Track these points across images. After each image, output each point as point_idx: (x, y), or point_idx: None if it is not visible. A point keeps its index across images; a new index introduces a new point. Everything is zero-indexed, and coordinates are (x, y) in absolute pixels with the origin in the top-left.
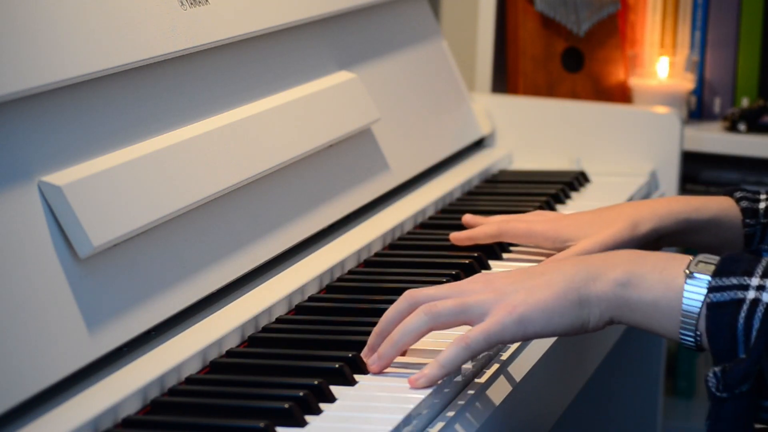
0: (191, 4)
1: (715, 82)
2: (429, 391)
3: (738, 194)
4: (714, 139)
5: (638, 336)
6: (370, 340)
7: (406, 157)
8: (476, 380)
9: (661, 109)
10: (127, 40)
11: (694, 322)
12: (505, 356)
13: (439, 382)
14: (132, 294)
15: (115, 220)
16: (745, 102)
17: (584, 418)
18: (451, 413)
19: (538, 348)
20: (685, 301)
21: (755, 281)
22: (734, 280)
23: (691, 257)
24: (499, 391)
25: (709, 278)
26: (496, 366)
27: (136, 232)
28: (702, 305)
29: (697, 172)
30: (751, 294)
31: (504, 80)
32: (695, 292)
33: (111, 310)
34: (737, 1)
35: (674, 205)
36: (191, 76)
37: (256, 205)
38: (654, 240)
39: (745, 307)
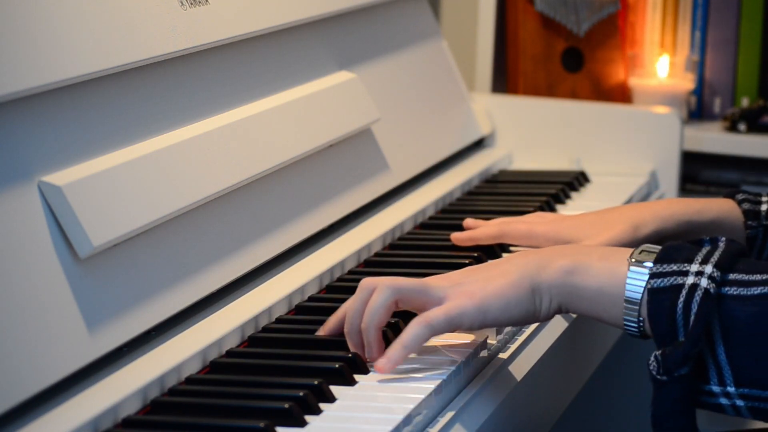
0: (191, 4)
1: (715, 82)
2: (429, 390)
3: (740, 196)
4: (714, 139)
5: None
6: (348, 337)
7: (406, 157)
8: (477, 379)
9: (661, 109)
10: (127, 40)
11: (636, 308)
12: (505, 356)
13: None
14: (132, 294)
15: (115, 220)
16: (745, 102)
17: (584, 418)
18: (451, 413)
19: (538, 348)
20: (627, 287)
21: (695, 267)
22: (674, 267)
23: (634, 248)
24: (499, 391)
25: (650, 265)
26: (496, 365)
27: (136, 232)
28: (644, 291)
29: (697, 172)
30: (690, 279)
31: (504, 80)
32: (637, 279)
33: (111, 310)
34: (737, 1)
35: (675, 207)
36: (191, 76)
37: (256, 205)
38: (655, 243)
39: (684, 292)
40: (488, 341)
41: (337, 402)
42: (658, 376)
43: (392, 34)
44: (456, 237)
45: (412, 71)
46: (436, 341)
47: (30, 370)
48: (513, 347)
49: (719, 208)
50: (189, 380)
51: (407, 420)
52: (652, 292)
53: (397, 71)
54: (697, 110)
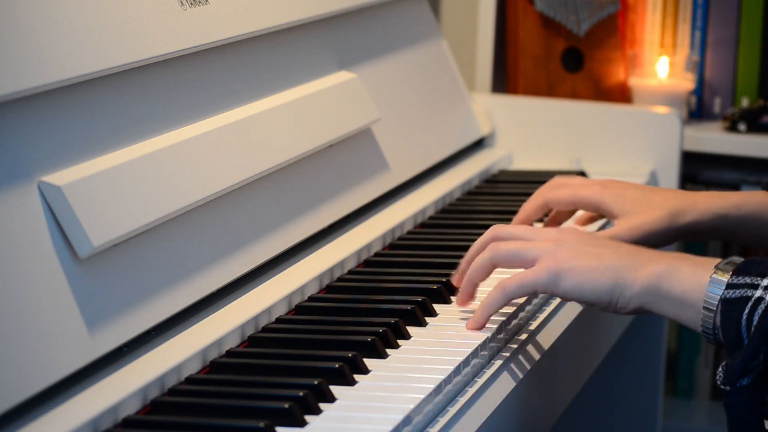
0: (191, 4)
1: (715, 82)
2: (429, 390)
3: None
4: (714, 139)
5: (638, 336)
6: (461, 265)
7: (406, 157)
8: (477, 379)
9: (661, 109)
10: (127, 40)
11: (712, 316)
12: (506, 355)
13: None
14: (132, 294)
15: (115, 220)
16: (745, 102)
17: (584, 418)
18: (453, 410)
19: (538, 347)
20: (706, 296)
21: (765, 282)
22: (747, 279)
23: (724, 259)
24: (500, 391)
25: (729, 276)
26: (496, 365)
27: (136, 232)
28: (719, 301)
29: (697, 172)
30: (758, 293)
31: (504, 80)
32: (716, 288)
33: (111, 310)
34: (737, 1)
35: (714, 201)
36: (191, 76)
37: (256, 205)
38: (690, 233)
39: (749, 304)
40: (487, 342)
41: (337, 402)
42: (722, 386)
43: (392, 34)
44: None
45: (412, 71)
46: (436, 341)
47: (30, 370)
48: (513, 348)
49: (756, 202)
50: (189, 380)
51: (407, 420)
52: (724, 302)
53: (397, 71)
54: (697, 110)
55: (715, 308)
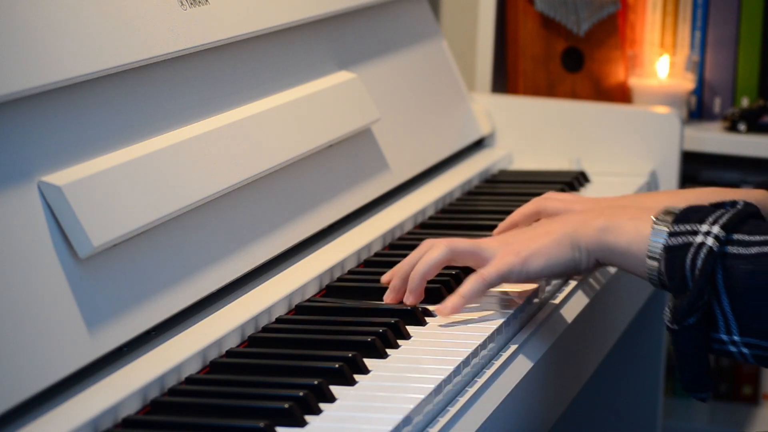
0: (191, 4)
1: (715, 82)
2: (429, 390)
3: None
4: (714, 139)
5: (638, 336)
6: (392, 281)
7: (406, 157)
8: (477, 379)
9: (661, 109)
10: (127, 40)
11: (656, 264)
12: (505, 355)
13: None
14: (132, 294)
15: (115, 220)
16: (745, 102)
17: (584, 418)
18: (453, 410)
19: (538, 347)
20: (649, 245)
21: (704, 228)
22: (688, 227)
23: (652, 203)
24: (500, 390)
25: (669, 225)
26: (496, 365)
27: (136, 232)
28: (662, 249)
29: (697, 172)
30: (699, 238)
31: (504, 80)
32: (659, 238)
33: (111, 310)
34: (737, 1)
35: (710, 197)
36: (191, 76)
37: (256, 205)
38: None
39: (692, 249)
40: (487, 342)
41: (337, 402)
42: (670, 325)
43: (392, 34)
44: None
45: (412, 71)
46: (436, 341)
47: (30, 370)
48: (513, 347)
49: (754, 198)
50: (189, 380)
51: (407, 420)
52: (667, 250)
53: (397, 71)
54: (697, 110)
55: (659, 256)
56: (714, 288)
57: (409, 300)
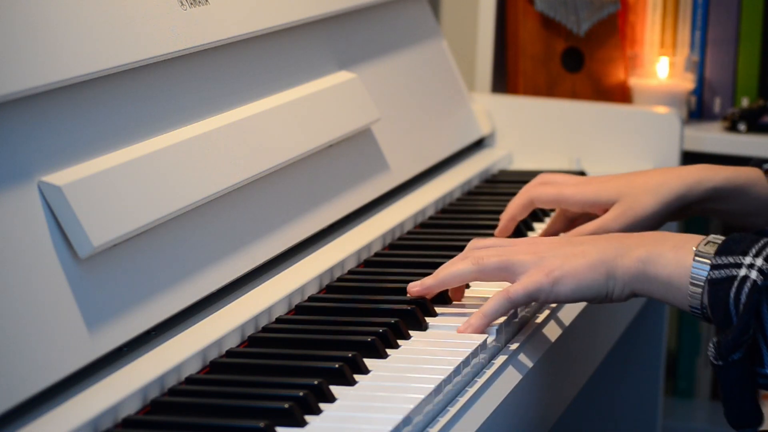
0: (191, 4)
1: (715, 82)
2: (429, 390)
3: (767, 165)
4: (714, 139)
5: (638, 336)
6: (435, 277)
7: (406, 157)
8: (477, 379)
9: (661, 109)
10: (127, 40)
11: (699, 297)
12: (505, 355)
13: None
14: (132, 294)
15: (115, 220)
16: (745, 102)
17: (584, 418)
18: (453, 410)
19: (538, 347)
20: (691, 278)
21: (747, 260)
22: (731, 259)
23: (703, 237)
24: (500, 391)
25: (712, 257)
26: (496, 365)
27: (136, 232)
28: (705, 282)
29: None
30: (742, 272)
31: (504, 80)
32: (701, 270)
33: (111, 310)
34: (737, 1)
35: (703, 174)
36: (191, 76)
37: (255, 205)
38: (681, 207)
39: (736, 283)
40: (487, 342)
41: (337, 402)
42: (715, 361)
43: (392, 34)
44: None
45: (412, 71)
46: (436, 341)
47: (30, 370)
48: (513, 348)
49: (747, 176)
50: (189, 380)
51: (407, 420)
52: (711, 283)
53: (397, 71)
54: (697, 110)
55: (701, 289)
56: (759, 323)
57: (414, 289)
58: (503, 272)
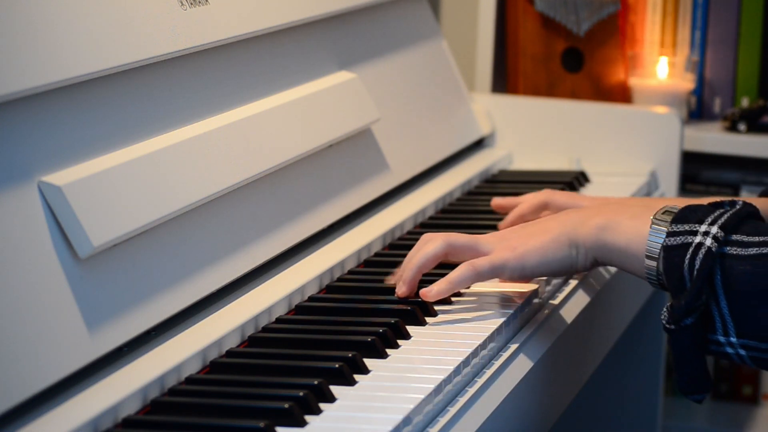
0: (191, 4)
1: (715, 82)
2: (429, 390)
3: None
4: (714, 139)
5: (638, 336)
6: (399, 274)
7: (406, 157)
8: (477, 379)
9: (661, 109)
10: (127, 40)
11: (655, 264)
12: (505, 355)
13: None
14: (132, 294)
15: (115, 220)
16: (745, 102)
17: (584, 418)
18: (453, 410)
19: (538, 347)
20: (648, 245)
21: (703, 228)
22: (687, 227)
23: (661, 206)
24: (500, 390)
25: (668, 225)
26: (496, 365)
27: (136, 232)
28: (660, 249)
29: (697, 172)
30: (697, 239)
31: (504, 80)
32: (657, 237)
33: (111, 310)
34: (737, 1)
35: None
36: (191, 76)
37: (255, 205)
38: None
39: (690, 250)
40: (487, 342)
41: (337, 402)
42: (667, 325)
43: (392, 34)
44: (497, 203)
45: (412, 71)
46: (436, 341)
47: (30, 370)
48: (512, 348)
49: (759, 206)
50: (189, 380)
51: (407, 420)
52: (666, 249)
53: (397, 71)
54: (697, 110)
55: (657, 256)
56: (712, 289)
57: (401, 290)
58: (471, 250)
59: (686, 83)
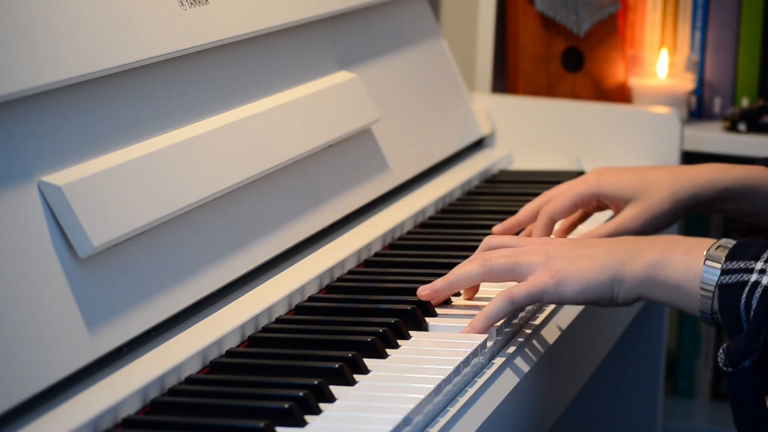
0: (191, 4)
1: (715, 82)
2: (429, 390)
3: None
4: (714, 139)
5: (638, 336)
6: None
7: (406, 157)
8: (477, 379)
9: (661, 109)
10: (127, 40)
11: (709, 302)
12: (506, 355)
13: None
14: (132, 294)
15: (115, 220)
16: (745, 102)
17: (584, 418)
18: (453, 410)
19: (538, 347)
20: (702, 283)
21: (759, 265)
22: (742, 264)
23: (714, 241)
24: (500, 391)
25: (722, 262)
26: (496, 365)
27: (136, 232)
28: (715, 287)
29: None
30: (753, 277)
31: (504, 80)
32: (711, 275)
33: (111, 310)
34: (737, 1)
35: (715, 174)
36: (191, 76)
37: (256, 205)
38: (693, 206)
39: (746, 289)
40: (487, 342)
41: (337, 402)
42: (724, 368)
43: (392, 34)
44: (497, 229)
45: (412, 71)
46: (436, 341)
47: (30, 370)
48: (513, 347)
49: (758, 176)
50: (189, 380)
51: (407, 420)
52: (721, 288)
53: (397, 71)
54: (697, 110)
55: (711, 294)
56: None
57: (424, 293)
58: (510, 273)
59: (686, 83)
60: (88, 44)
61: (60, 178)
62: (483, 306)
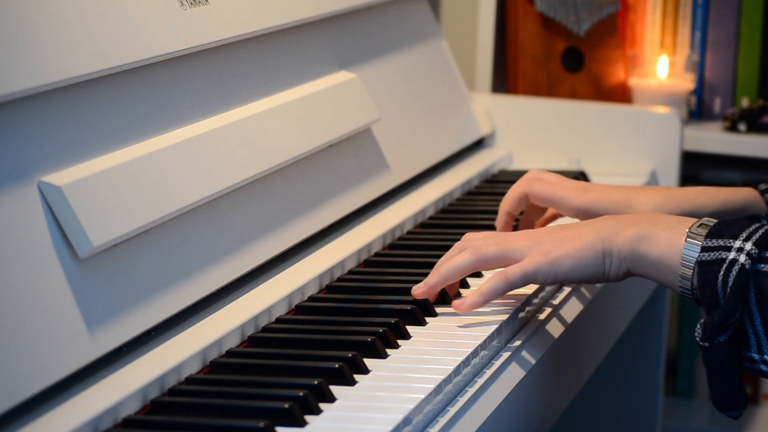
0: (191, 4)
1: (715, 82)
2: (429, 390)
3: (762, 186)
4: (714, 139)
5: (638, 336)
6: (432, 276)
7: (406, 157)
8: (477, 379)
9: (661, 109)
10: (127, 40)
11: (689, 277)
12: (505, 355)
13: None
14: (132, 294)
15: (115, 220)
16: (745, 102)
17: (584, 418)
18: (453, 410)
19: (538, 347)
20: (683, 258)
21: (737, 243)
22: (721, 242)
23: (697, 219)
24: (500, 390)
25: (703, 239)
26: (496, 365)
27: (136, 232)
28: (695, 263)
29: (697, 172)
30: (731, 255)
31: (504, 80)
32: (691, 251)
33: (111, 310)
34: (737, 1)
35: (702, 199)
36: (191, 76)
37: (255, 205)
38: None
39: (724, 266)
40: (487, 342)
41: (337, 402)
42: (701, 343)
43: (392, 34)
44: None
45: (412, 71)
46: (436, 341)
47: (30, 370)
48: (513, 348)
49: (744, 198)
50: (189, 380)
51: (407, 420)
52: (700, 265)
53: (397, 71)
54: (697, 110)
55: (691, 270)
56: (746, 306)
57: (419, 291)
58: (502, 260)
59: (686, 83)
60: (88, 44)
61: (60, 178)
62: (482, 307)
